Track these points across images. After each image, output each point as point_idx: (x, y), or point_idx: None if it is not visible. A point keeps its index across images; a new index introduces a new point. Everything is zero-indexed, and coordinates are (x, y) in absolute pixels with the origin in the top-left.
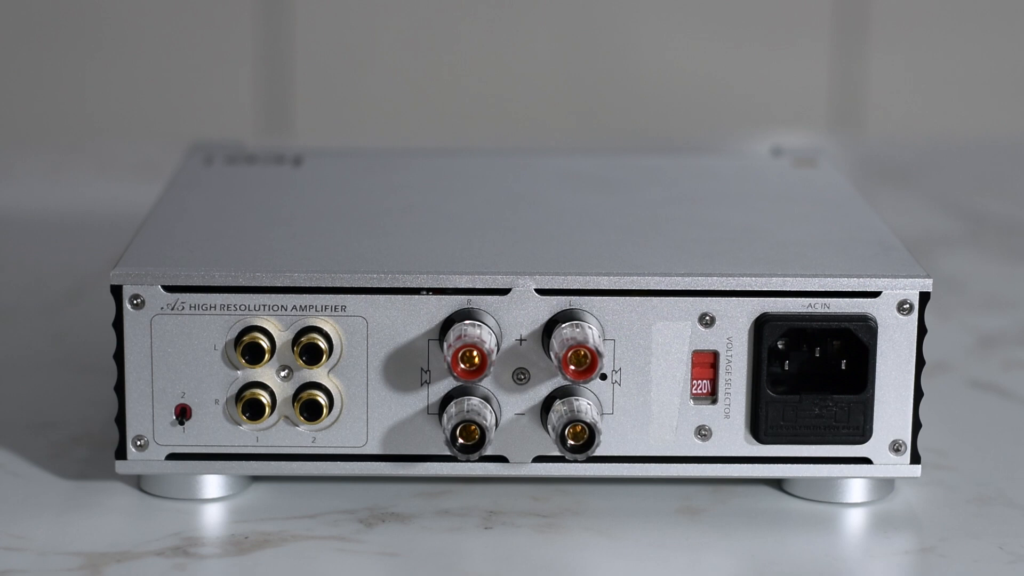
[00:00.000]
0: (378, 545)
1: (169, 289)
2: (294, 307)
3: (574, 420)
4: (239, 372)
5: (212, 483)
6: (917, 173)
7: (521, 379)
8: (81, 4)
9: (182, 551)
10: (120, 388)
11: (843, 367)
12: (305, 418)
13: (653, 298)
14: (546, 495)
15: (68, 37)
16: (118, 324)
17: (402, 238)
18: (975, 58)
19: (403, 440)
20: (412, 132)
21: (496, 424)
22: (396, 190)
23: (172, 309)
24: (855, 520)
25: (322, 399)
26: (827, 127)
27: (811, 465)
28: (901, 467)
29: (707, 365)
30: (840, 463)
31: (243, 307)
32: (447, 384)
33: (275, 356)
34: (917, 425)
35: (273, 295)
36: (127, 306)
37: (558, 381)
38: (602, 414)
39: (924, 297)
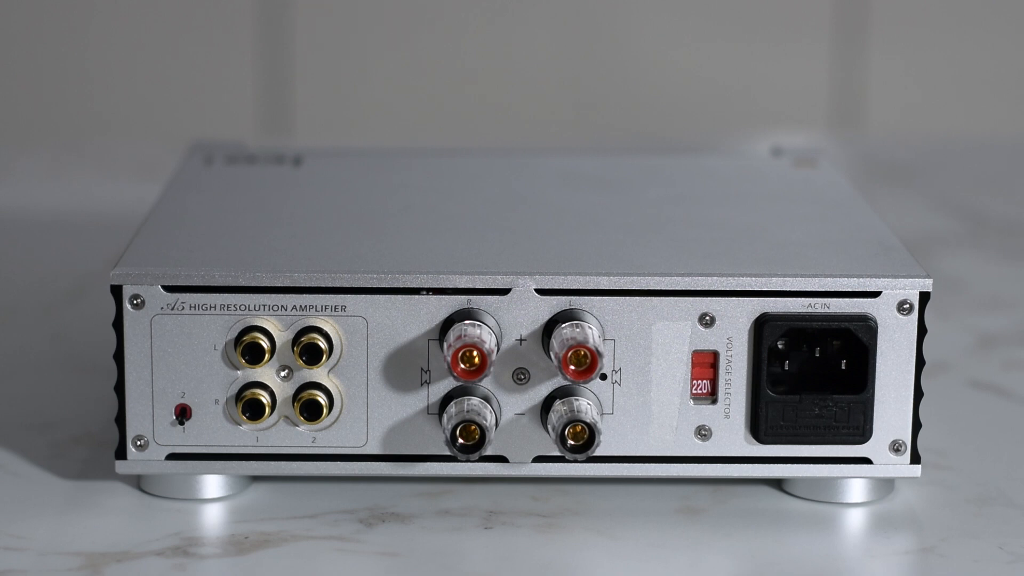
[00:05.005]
0: (378, 545)
1: (169, 289)
2: (294, 307)
3: (574, 420)
4: (239, 372)
5: (212, 483)
6: (917, 173)
7: (521, 379)
8: (81, 4)
9: (182, 551)
10: (120, 388)
11: (843, 367)
12: (305, 418)
13: (653, 298)
14: (546, 495)
15: (68, 36)
16: (118, 324)
17: (402, 238)
18: (975, 58)
19: (403, 440)
20: (412, 132)
21: (496, 424)
22: (396, 190)
23: (172, 309)
24: (855, 520)
25: (322, 399)
26: (827, 127)
27: (811, 465)
28: (901, 467)
29: (707, 365)
30: (840, 463)
31: (243, 307)
32: (447, 384)
33: (275, 356)
34: (917, 425)
35: (273, 295)
36: (127, 306)
37: (558, 381)
38: (602, 414)
39: (924, 297)
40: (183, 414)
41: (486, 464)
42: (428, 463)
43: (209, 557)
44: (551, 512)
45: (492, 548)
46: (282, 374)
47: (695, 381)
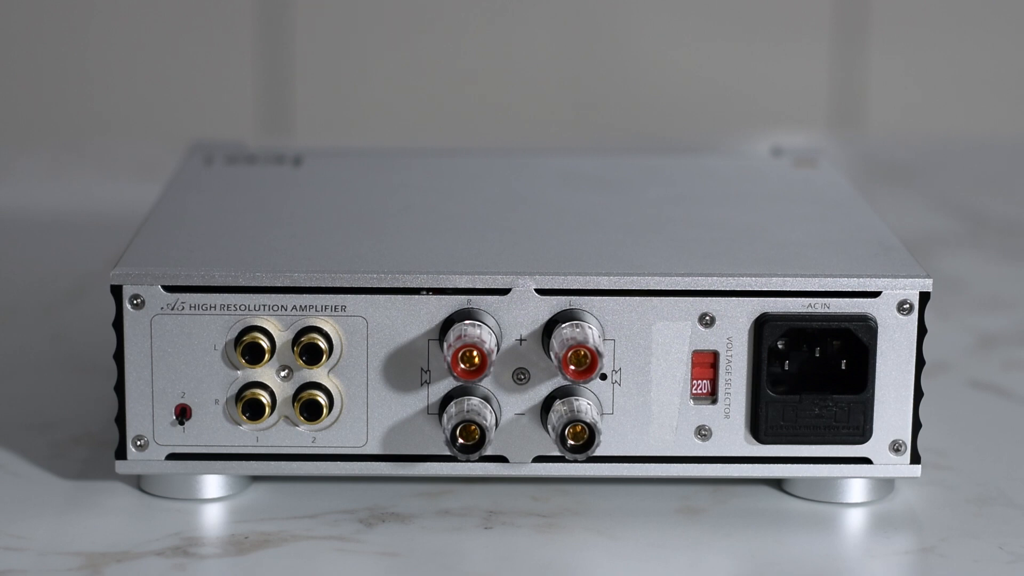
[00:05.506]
0: (378, 545)
1: (169, 289)
2: (294, 307)
3: (574, 420)
4: (239, 372)
5: (212, 483)
6: (917, 173)
7: (521, 379)
8: (81, 4)
9: (182, 551)
10: (120, 388)
11: (843, 367)
12: (305, 418)
13: (653, 298)
14: (546, 495)
15: (68, 36)
16: (118, 324)
17: (402, 238)
18: (975, 58)
19: (403, 440)
20: (412, 132)
21: (496, 424)
22: (396, 190)
23: (172, 309)
24: (855, 520)
25: (322, 399)
26: (827, 127)
27: (811, 465)
28: (901, 467)
29: (707, 365)
30: (840, 463)
31: (243, 307)
32: (447, 384)
33: (275, 356)
34: (917, 425)
35: (273, 295)
36: (127, 306)
37: (558, 381)
38: (602, 414)
39: (924, 297)
40: (183, 414)
41: (486, 464)
42: (428, 463)
43: (209, 557)
44: (551, 512)
45: (492, 548)
46: (282, 374)
47: (695, 381)
